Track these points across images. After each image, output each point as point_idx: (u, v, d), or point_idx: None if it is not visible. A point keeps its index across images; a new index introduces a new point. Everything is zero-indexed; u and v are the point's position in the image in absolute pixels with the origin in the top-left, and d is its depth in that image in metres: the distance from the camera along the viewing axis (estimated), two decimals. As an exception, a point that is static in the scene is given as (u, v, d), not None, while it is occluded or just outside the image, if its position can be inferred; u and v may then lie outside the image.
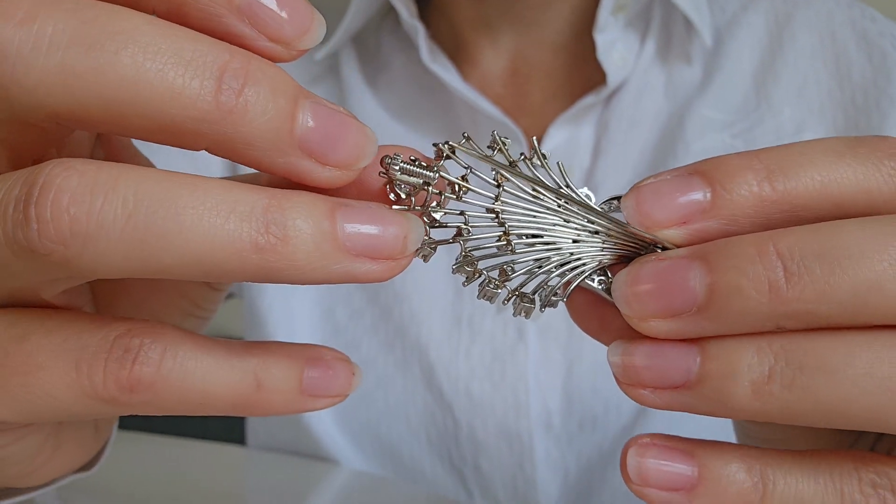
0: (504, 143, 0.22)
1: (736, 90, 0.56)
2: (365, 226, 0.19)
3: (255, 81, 0.19)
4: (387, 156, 0.21)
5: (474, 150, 0.22)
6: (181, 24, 0.19)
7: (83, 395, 0.19)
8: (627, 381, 0.21)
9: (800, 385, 0.19)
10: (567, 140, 0.56)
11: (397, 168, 0.21)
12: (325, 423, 0.58)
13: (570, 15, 0.58)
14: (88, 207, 0.17)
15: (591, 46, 0.56)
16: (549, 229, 0.22)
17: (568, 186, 0.23)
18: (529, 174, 0.22)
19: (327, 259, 0.19)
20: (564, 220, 0.22)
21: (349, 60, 0.64)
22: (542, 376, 0.53)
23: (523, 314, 0.22)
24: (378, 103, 0.63)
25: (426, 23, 0.60)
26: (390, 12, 0.65)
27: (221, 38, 0.19)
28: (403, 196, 0.22)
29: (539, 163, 0.23)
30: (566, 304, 0.23)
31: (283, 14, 0.20)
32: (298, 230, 0.18)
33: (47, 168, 0.17)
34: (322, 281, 0.19)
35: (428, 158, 0.22)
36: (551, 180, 0.23)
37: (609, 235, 0.22)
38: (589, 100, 0.56)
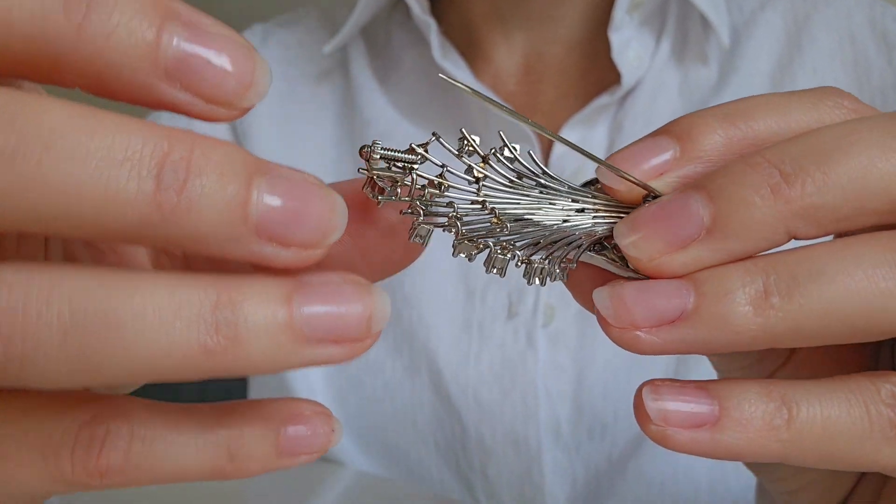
0: (474, 141, 0.22)
1: (752, 91, 0.55)
2: (326, 307, 0.18)
3: (200, 171, 0.16)
4: (365, 145, 0.21)
5: (447, 147, 0.22)
6: (107, 97, 0.17)
7: (53, 481, 0.18)
8: (619, 323, 0.20)
9: (798, 293, 0.19)
10: (580, 141, 0.55)
11: (378, 155, 0.21)
12: None
13: (584, 11, 0.57)
14: (21, 328, 0.16)
15: (606, 45, 0.55)
16: (537, 212, 0.22)
17: (545, 172, 0.23)
18: (502, 167, 0.23)
19: (285, 352, 0.17)
20: (550, 203, 0.23)
21: (358, 56, 0.63)
22: (552, 383, 0.52)
23: (538, 280, 0.22)
24: (388, 101, 0.61)
25: (437, 17, 0.59)
26: (399, 2, 0.64)
27: (154, 108, 0.17)
28: (385, 191, 0.21)
29: (511, 155, 0.23)
30: (567, 284, 0.24)
31: (220, 63, 0.17)
32: (252, 327, 0.17)
33: None
34: (282, 371, 0.18)
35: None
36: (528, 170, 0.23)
37: (596, 210, 0.23)
38: (603, 100, 0.55)
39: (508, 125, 0.56)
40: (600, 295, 0.21)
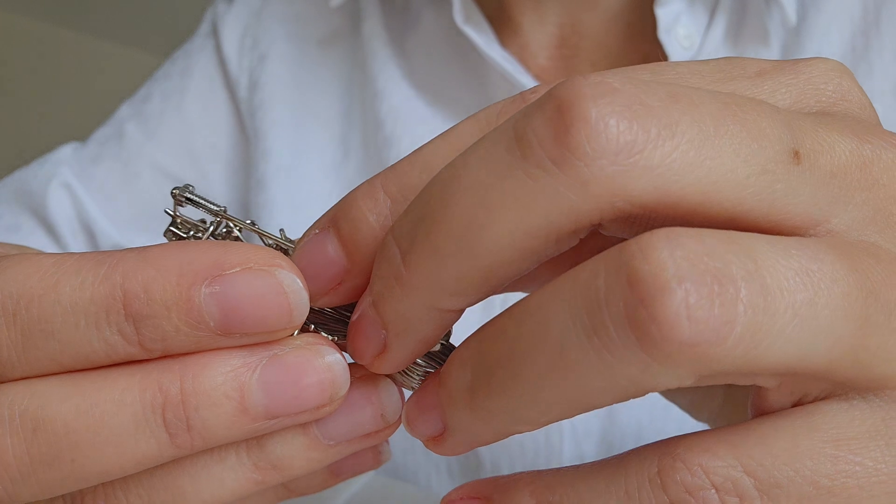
0: (290, 242, 0.22)
1: None
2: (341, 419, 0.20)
3: (196, 406, 0.18)
4: (176, 188, 0.21)
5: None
6: None
7: None
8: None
9: (494, 397, 0.17)
10: None
11: (184, 198, 0.21)
12: None
13: None
14: None
15: (652, 21, 0.48)
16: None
17: None
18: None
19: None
20: None
21: (372, 13, 0.57)
22: (578, 419, 0.47)
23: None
24: (403, 73, 0.55)
25: None
26: None
27: None
28: (183, 236, 0.21)
29: None
30: None
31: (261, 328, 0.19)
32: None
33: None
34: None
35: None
36: None
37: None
38: (646, 85, 0.48)
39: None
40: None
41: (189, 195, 0.21)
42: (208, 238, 0.21)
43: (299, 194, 0.56)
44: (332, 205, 0.20)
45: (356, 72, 0.57)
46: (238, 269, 0.18)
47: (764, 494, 0.15)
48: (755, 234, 0.15)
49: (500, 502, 0.19)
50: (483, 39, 0.51)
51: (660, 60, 0.48)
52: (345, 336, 0.21)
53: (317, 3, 0.59)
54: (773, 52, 0.49)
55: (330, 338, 0.20)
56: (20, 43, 2.17)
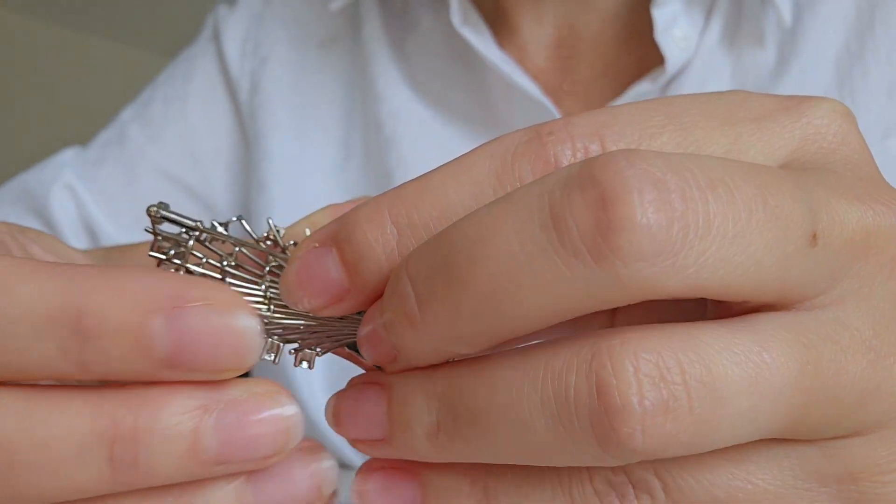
0: (279, 233, 0.22)
1: (815, 80, 0.48)
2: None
3: (147, 443, 0.17)
4: (151, 206, 0.21)
5: (247, 233, 0.22)
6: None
7: None
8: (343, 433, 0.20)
9: (457, 439, 0.18)
10: None
11: (160, 216, 0.21)
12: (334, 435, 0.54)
13: None
14: None
15: (648, 22, 0.49)
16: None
17: None
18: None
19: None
20: None
21: (371, 15, 0.57)
22: None
23: (271, 358, 0.21)
24: (402, 75, 0.55)
25: None
26: None
27: None
28: (164, 256, 0.21)
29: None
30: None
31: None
32: None
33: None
34: None
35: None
36: None
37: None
38: (643, 87, 0.48)
39: (535, 108, 0.50)
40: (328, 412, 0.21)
41: (164, 213, 0.21)
42: (189, 252, 0.21)
43: (300, 196, 0.56)
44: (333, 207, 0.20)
45: (356, 74, 0.58)
46: (199, 304, 0.17)
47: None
48: (712, 329, 0.16)
49: (428, 478, 0.19)
50: (480, 41, 0.51)
51: (656, 62, 0.49)
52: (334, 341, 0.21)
53: (317, 6, 0.60)
54: (769, 53, 0.49)
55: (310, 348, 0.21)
56: (20, 43, 2.17)
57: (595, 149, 0.18)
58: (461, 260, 0.16)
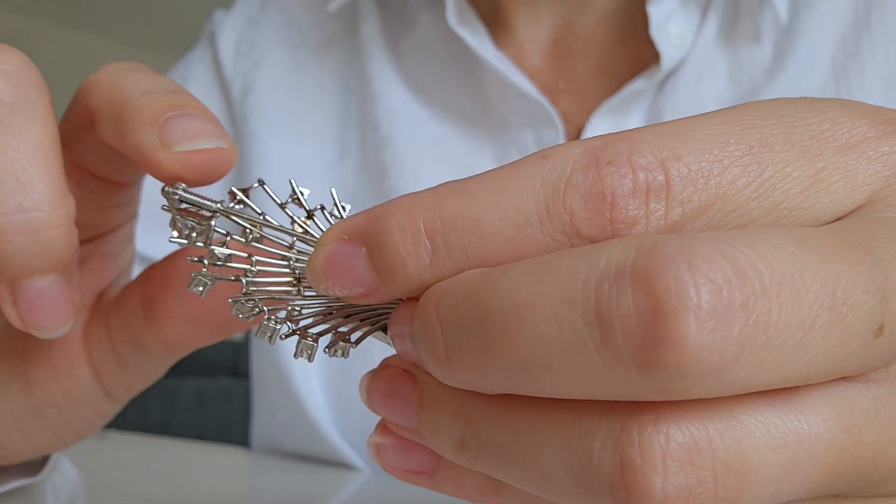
0: (302, 195, 0.22)
1: (812, 76, 0.48)
2: None
3: None
4: (167, 185, 0.21)
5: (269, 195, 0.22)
6: None
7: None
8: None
9: (483, 459, 0.18)
10: (613, 130, 0.49)
11: (177, 197, 0.21)
12: (335, 437, 0.54)
13: None
14: None
15: (644, 20, 0.49)
16: None
17: None
18: (326, 226, 0.21)
19: None
20: None
21: (369, 15, 0.57)
22: None
23: (305, 355, 0.21)
24: (399, 75, 0.56)
25: None
26: None
27: None
28: (185, 233, 0.21)
29: (340, 215, 0.21)
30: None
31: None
32: None
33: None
34: None
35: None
36: None
37: None
38: (639, 84, 0.48)
39: (532, 107, 0.50)
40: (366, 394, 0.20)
41: (182, 195, 0.21)
42: (211, 231, 0.21)
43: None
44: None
45: (353, 74, 0.58)
46: None
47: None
48: (754, 408, 0.15)
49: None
50: (477, 40, 0.51)
51: (652, 59, 0.49)
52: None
53: (313, 9, 0.60)
54: (765, 51, 0.49)
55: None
56: (20, 43, 2.18)
57: (659, 182, 0.16)
58: (493, 328, 0.15)
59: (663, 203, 0.16)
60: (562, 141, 0.50)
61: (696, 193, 0.16)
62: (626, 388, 0.14)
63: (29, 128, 0.22)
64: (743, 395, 0.15)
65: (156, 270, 0.28)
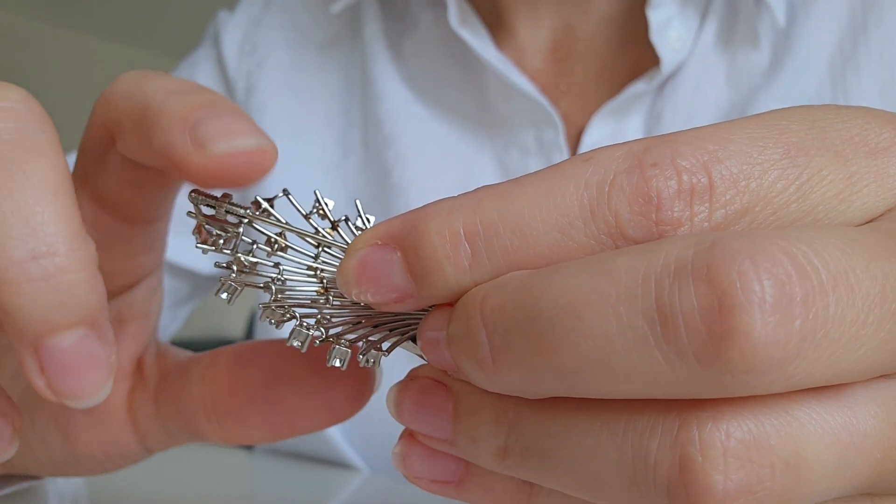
0: (326, 206, 0.21)
1: (810, 80, 0.49)
2: None
3: None
4: (194, 190, 0.21)
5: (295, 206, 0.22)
6: None
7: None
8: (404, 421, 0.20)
9: (526, 467, 0.17)
10: (612, 134, 0.50)
11: (207, 204, 0.20)
12: (336, 436, 0.54)
13: None
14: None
15: (644, 23, 0.49)
16: None
17: None
18: (351, 237, 0.21)
19: None
20: None
21: (372, 17, 0.58)
22: None
23: (338, 362, 0.21)
24: (400, 76, 0.56)
25: None
26: None
27: None
28: (211, 240, 0.21)
29: (364, 226, 0.21)
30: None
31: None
32: None
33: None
34: None
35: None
36: None
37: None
38: (639, 87, 0.49)
39: (532, 108, 0.51)
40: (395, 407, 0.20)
41: (211, 201, 0.20)
42: (239, 239, 0.20)
43: (298, 193, 0.57)
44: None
45: (356, 74, 0.58)
46: None
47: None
48: (806, 404, 0.15)
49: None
50: (478, 41, 0.52)
51: (651, 63, 0.49)
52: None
53: (316, 10, 0.60)
54: (763, 54, 0.50)
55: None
56: (20, 43, 2.18)
57: (703, 184, 0.16)
58: (547, 328, 0.15)
59: (707, 205, 0.16)
60: (562, 141, 0.50)
61: (738, 195, 0.16)
62: (684, 384, 0.14)
63: (35, 166, 0.19)
64: (794, 392, 0.15)
65: (219, 372, 0.26)
